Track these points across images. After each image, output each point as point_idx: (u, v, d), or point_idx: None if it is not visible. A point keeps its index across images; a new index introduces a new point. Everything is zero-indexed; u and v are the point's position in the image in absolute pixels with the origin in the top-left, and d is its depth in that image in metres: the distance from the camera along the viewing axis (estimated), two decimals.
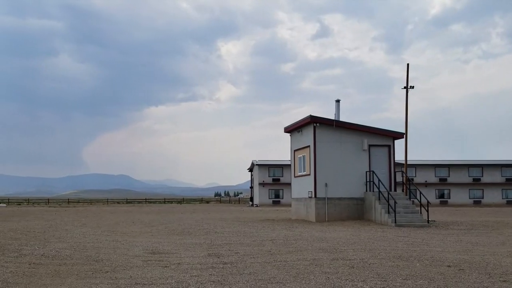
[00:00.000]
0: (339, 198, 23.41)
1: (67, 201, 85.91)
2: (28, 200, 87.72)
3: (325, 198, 23.24)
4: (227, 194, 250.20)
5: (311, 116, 23.73)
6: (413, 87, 27.46)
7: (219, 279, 8.11)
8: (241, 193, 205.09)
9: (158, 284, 7.73)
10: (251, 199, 69.59)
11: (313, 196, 23.45)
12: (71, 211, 42.48)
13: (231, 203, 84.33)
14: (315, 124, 23.58)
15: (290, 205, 31.05)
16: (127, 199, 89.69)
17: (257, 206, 60.42)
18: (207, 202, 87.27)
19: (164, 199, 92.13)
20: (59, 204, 71.20)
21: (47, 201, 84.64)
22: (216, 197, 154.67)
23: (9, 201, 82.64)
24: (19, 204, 71.40)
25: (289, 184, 30.63)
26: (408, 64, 27.67)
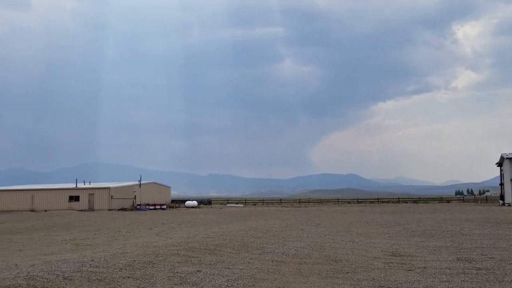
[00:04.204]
0: None
1: (298, 201, 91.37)
2: (263, 200, 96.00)
3: None
4: (470, 192, 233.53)
5: None
6: None
7: (474, 286, 7.67)
8: (487, 191, 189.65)
9: None
10: (501, 197, 63.65)
11: None
12: (303, 211, 45.09)
13: (477, 202, 78.31)
14: None
15: None
16: (357, 199, 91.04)
17: (509, 205, 54.99)
18: (448, 201, 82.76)
19: (398, 198, 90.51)
20: (291, 204, 76.16)
21: (279, 201, 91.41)
22: (458, 196, 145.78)
23: (246, 201, 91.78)
24: (255, 204, 78.79)
25: None
26: None
